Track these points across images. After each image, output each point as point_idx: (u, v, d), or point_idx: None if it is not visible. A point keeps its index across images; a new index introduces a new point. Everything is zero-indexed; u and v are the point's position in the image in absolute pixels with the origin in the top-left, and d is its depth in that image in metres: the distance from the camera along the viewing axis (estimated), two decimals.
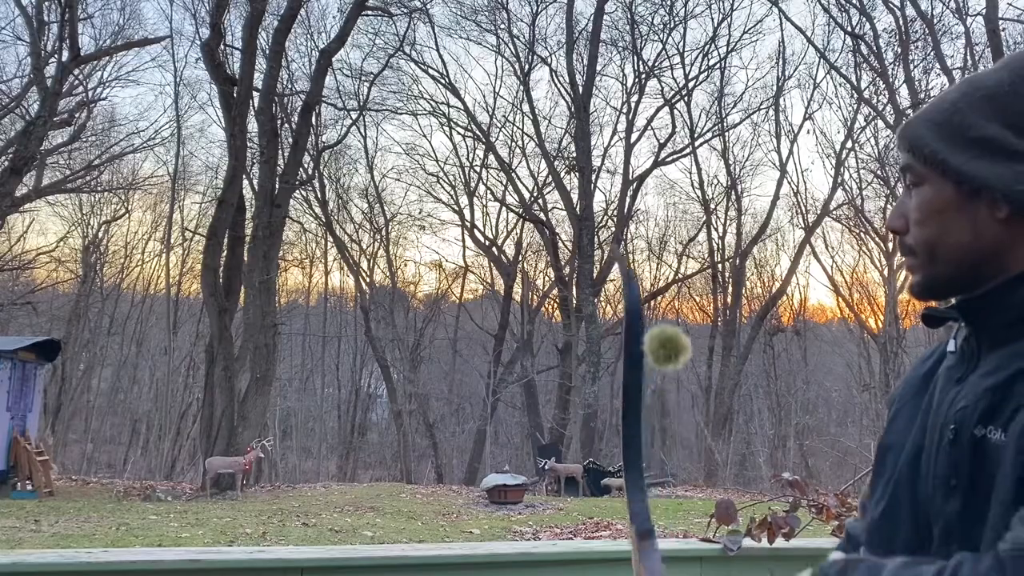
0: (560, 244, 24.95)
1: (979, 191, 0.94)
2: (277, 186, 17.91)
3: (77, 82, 21.82)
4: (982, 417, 0.89)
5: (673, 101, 25.77)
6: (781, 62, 25.43)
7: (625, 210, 25.33)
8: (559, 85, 25.56)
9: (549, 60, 25.39)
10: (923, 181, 1.00)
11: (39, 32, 19.38)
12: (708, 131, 26.58)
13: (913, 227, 1.02)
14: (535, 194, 27.07)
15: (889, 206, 24.61)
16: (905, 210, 1.03)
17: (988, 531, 0.85)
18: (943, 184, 0.97)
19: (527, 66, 25.44)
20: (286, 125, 21.30)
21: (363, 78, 24.92)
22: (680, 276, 28.72)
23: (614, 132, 26.56)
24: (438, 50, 25.70)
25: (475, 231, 27.96)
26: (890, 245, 25.16)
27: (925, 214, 1.00)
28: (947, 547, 0.91)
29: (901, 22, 20.82)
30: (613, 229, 25.59)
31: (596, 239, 23.72)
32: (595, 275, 22.87)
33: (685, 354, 1.12)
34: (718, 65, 25.80)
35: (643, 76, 25.63)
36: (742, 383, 25.92)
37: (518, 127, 26.91)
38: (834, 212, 26.24)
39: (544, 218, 25.99)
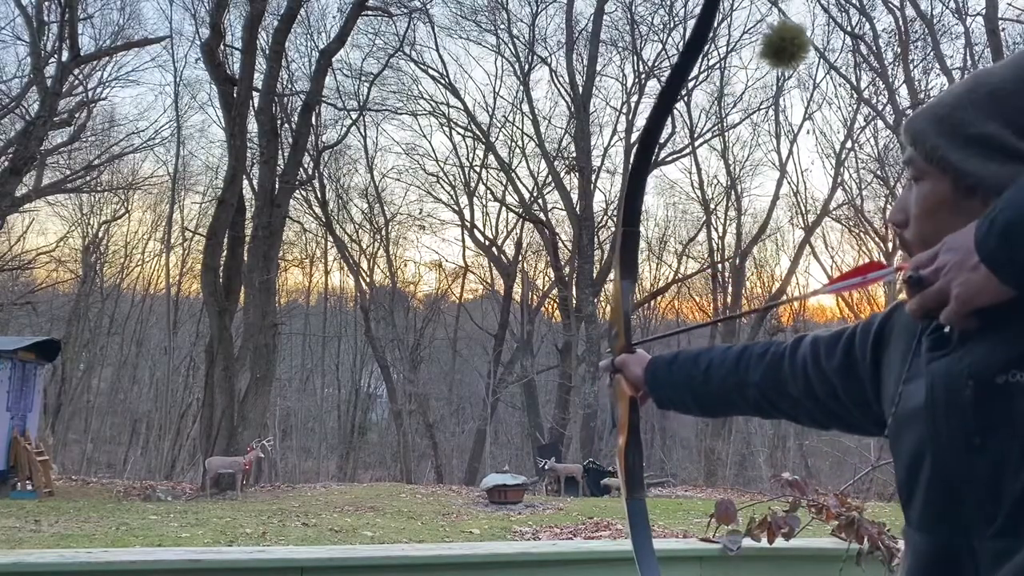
0: (560, 244, 24.96)
1: (975, 189, 0.94)
2: (277, 186, 17.91)
3: (77, 82, 21.83)
4: (1005, 364, 0.88)
5: None
6: None
7: None
8: (559, 85, 25.58)
9: (549, 60, 25.41)
10: (923, 176, 0.99)
11: (39, 32, 19.38)
12: (708, 131, 26.61)
13: (912, 222, 1.02)
14: (535, 194, 27.08)
15: (889, 206, 24.61)
16: (906, 204, 1.03)
17: None
18: (942, 180, 0.97)
19: (527, 66, 25.45)
20: (286, 125, 21.30)
21: (363, 78, 24.93)
22: (680, 276, 28.73)
23: (614, 132, 26.57)
24: (438, 50, 25.71)
25: (475, 231, 27.98)
26: (890, 245, 25.16)
27: (923, 209, 1.00)
28: (981, 509, 0.90)
29: (901, 22, 20.85)
30: (613, 229, 25.58)
31: (596, 239, 23.72)
32: (595, 275, 22.87)
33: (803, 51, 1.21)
34: (718, 65, 25.80)
35: (643, 76, 25.62)
36: None
37: (518, 127, 26.92)
38: (834, 212, 26.27)
39: (544, 218, 25.99)
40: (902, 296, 1.04)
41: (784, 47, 1.23)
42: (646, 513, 1.47)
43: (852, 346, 1.19)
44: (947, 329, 0.97)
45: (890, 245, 25.14)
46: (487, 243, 28.08)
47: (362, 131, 26.80)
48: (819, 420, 1.30)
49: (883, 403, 1.12)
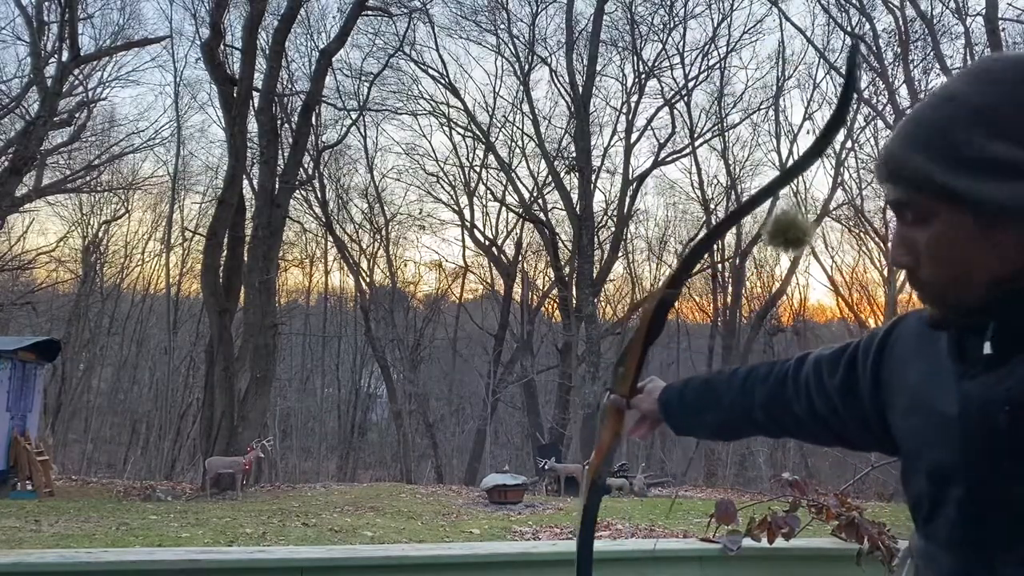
0: (560, 244, 24.96)
1: (998, 216, 0.88)
2: (277, 186, 17.90)
3: (77, 82, 21.83)
4: None
5: (673, 101, 25.77)
6: (781, 62, 25.44)
7: (625, 210, 25.34)
8: (559, 85, 25.59)
9: (549, 60, 25.41)
10: (933, 215, 0.92)
11: (39, 32, 19.38)
12: (708, 131, 26.61)
13: (930, 264, 0.94)
14: (535, 194, 27.08)
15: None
16: (910, 245, 0.96)
17: None
18: (957, 215, 0.90)
19: (527, 66, 25.45)
20: (286, 125, 21.29)
21: (363, 78, 24.93)
22: None
23: (614, 132, 26.58)
24: (438, 50, 25.71)
25: (475, 231, 27.99)
26: (890, 245, 25.15)
27: (945, 250, 0.92)
28: (1007, 537, 0.90)
29: (901, 22, 20.83)
30: (613, 229, 25.58)
31: (596, 239, 23.71)
32: (595, 275, 22.85)
33: (807, 240, 1.22)
34: (718, 65, 25.81)
35: (643, 76, 25.64)
36: None
37: (518, 127, 26.94)
38: (834, 212, 26.27)
39: (544, 218, 25.99)
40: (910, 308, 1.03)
41: (787, 235, 1.24)
42: (595, 519, 1.56)
43: (854, 362, 1.18)
44: (987, 350, 0.92)
45: (890, 245, 25.13)
46: (487, 243, 28.09)
47: (362, 131, 26.84)
48: (821, 438, 1.31)
49: (891, 415, 1.11)
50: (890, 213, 1.00)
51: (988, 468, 0.91)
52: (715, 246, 26.75)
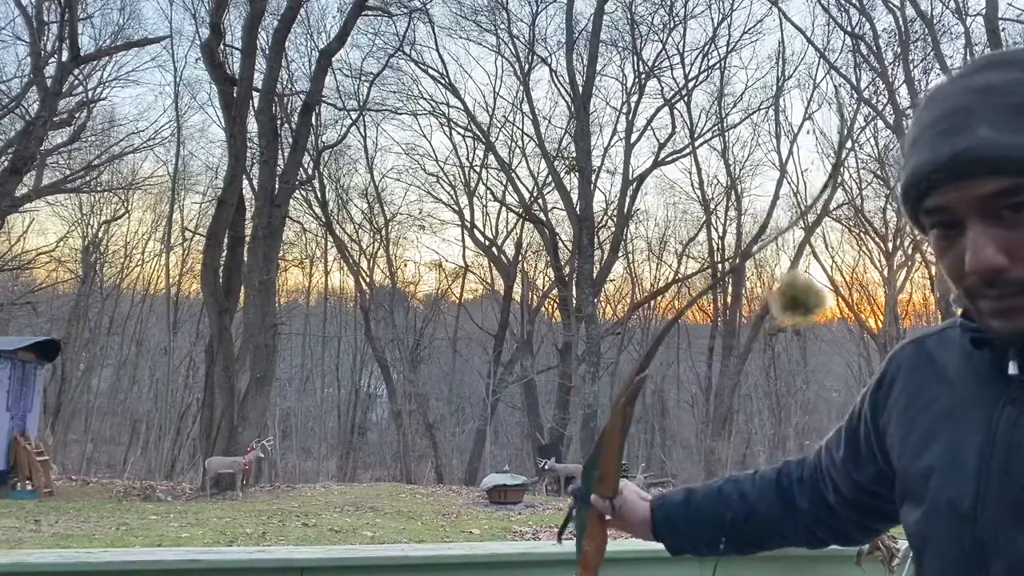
0: (560, 244, 24.96)
1: None
2: (277, 186, 17.91)
3: (77, 82, 21.82)
4: None
5: (673, 101, 25.77)
6: (781, 62, 25.45)
7: (625, 210, 25.34)
8: (559, 85, 25.59)
9: (549, 60, 25.42)
10: None
11: (39, 32, 19.38)
12: (708, 131, 26.62)
13: None
14: (535, 194, 27.08)
15: (890, 206, 24.61)
16: (1008, 239, 0.80)
17: None
18: None
19: (527, 66, 25.45)
20: (286, 125, 21.29)
21: (363, 78, 24.94)
22: (680, 276, 28.74)
23: (614, 132, 26.58)
24: (438, 50, 25.71)
25: (475, 231, 27.99)
26: (890, 245, 25.17)
27: None
28: None
29: (901, 22, 20.83)
30: (613, 229, 25.58)
31: (596, 239, 23.72)
32: (595, 275, 22.86)
33: (820, 305, 1.06)
34: (718, 65, 25.82)
35: (643, 76, 25.63)
36: (742, 383, 25.94)
37: (518, 127, 26.94)
38: (834, 212, 26.27)
39: (544, 218, 25.99)
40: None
41: (799, 301, 1.08)
42: None
43: (851, 423, 1.12)
44: (1012, 370, 0.85)
45: (890, 245, 25.15)
46: (487, 243, 28.08)
47: (362, 131, 26.84)
48: (862, 523, 1.18)
49: (899, 455, 1.00)
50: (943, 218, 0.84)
51: (1004, 508, 0.82)
52: (714, 247, 26.83)
